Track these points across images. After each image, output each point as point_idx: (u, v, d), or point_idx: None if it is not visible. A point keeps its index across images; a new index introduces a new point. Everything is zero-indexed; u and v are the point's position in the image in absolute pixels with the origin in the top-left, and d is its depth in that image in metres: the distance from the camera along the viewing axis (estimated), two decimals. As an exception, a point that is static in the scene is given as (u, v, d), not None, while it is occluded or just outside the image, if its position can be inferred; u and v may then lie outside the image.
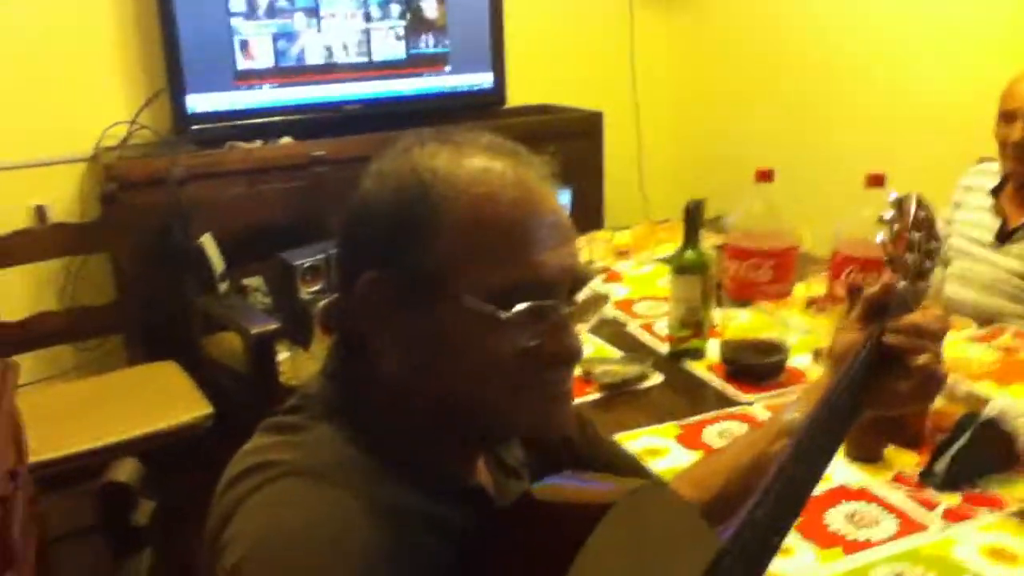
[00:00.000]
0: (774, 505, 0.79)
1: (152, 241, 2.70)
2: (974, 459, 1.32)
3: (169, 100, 2.96)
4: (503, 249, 0.75)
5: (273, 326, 2.32)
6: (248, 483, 0.73)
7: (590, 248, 2.37)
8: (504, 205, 0.75)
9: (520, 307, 0.74)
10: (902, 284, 0.94)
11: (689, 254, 1.76)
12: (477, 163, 0.77)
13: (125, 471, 1.16)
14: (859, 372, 0.91)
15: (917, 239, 0.94)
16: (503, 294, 0.74)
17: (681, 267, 1.76)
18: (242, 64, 3.03)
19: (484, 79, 3.47)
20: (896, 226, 0.95)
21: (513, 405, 0.77)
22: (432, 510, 0.75)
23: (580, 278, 0.80)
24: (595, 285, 2.13)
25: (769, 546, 0.79)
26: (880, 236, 0.95)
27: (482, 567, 0.76)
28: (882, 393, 0.93)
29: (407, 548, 0.72)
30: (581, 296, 0.81)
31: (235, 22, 2.99)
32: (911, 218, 0.95)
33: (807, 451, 0.85)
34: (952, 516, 1.25)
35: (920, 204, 0.96)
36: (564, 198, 2.30)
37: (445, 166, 0.77)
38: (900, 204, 0.95)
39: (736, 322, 1.81)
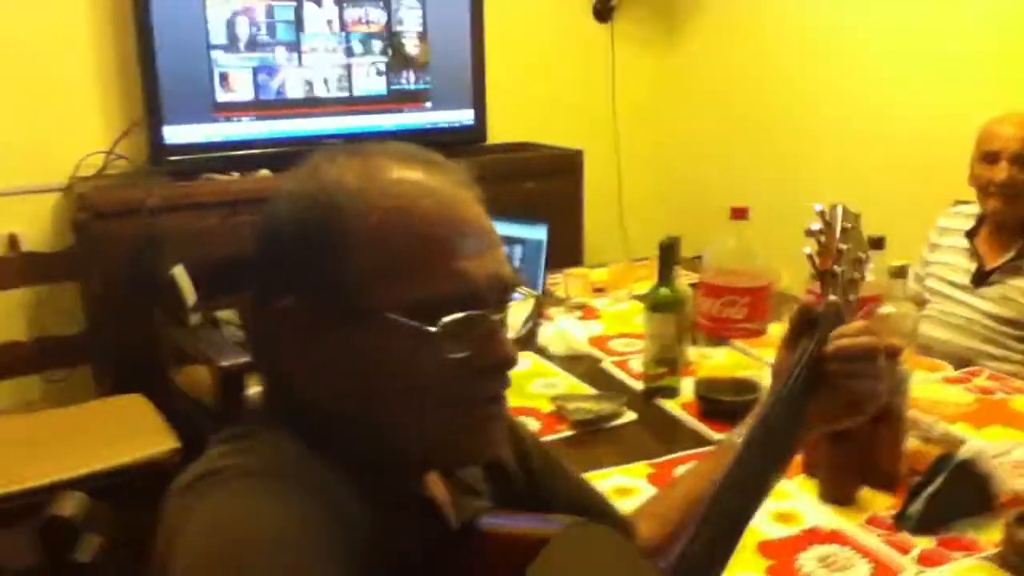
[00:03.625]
0: (711, 535, 0.78)
1: (124, 271, 2.67)
2: (949, 501, 1.29)
3: (146, 131, 2.94)
4: (422, 261, 0.72)
5: (243, 359, 2.27)
6: (196, 491, 0.70)
7: (566, 284, 2.36)
8: (418, 216, 0.72)
9: (448, 319, 0.71)
10: (832, 298, 0.93)
11: (664, 291, 1.74)
12: (387, 175, 0.74)
13: (70, 505, 1.12)
14: (794, 388, 0.90)
15: (845, 250, 0.94)
16: (428, 307, 0.71)
17: (655, 304, 1.74)
18: (221, 96, 3.02)
19: (465, 116, 3.48)
20: (823, 238, 0.94)
21: (448, 424, 0.74)
22: (380, 517, 0.72)
23: (508, 284, 0.77)
24: (567, 319, 2.11)
25: None
26: (807, 250, 0.95)
27: None
28: (821, 409, 0.92)
29: (363, 551, 0.68)
30: (515, 302, 0.79)
31: (215, 54, 2.98)
32: (837, 230, 0.94)
33: (740, 475, 0.84)
34: (927, 560, 1.22)
35: (846, 214, 0.95)
36: (540, 233, 2.29)
37: (353, 181, 0.73)
38: (826, 216, 0.95)
39: (711, 360, 1.79)
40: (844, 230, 0.95)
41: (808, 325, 0.93)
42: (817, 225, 0.95)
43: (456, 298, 0.72)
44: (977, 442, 1.39)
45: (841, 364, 0.90)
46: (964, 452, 1.31)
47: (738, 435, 1.03)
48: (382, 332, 0.71)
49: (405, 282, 0.71)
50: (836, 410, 0.92)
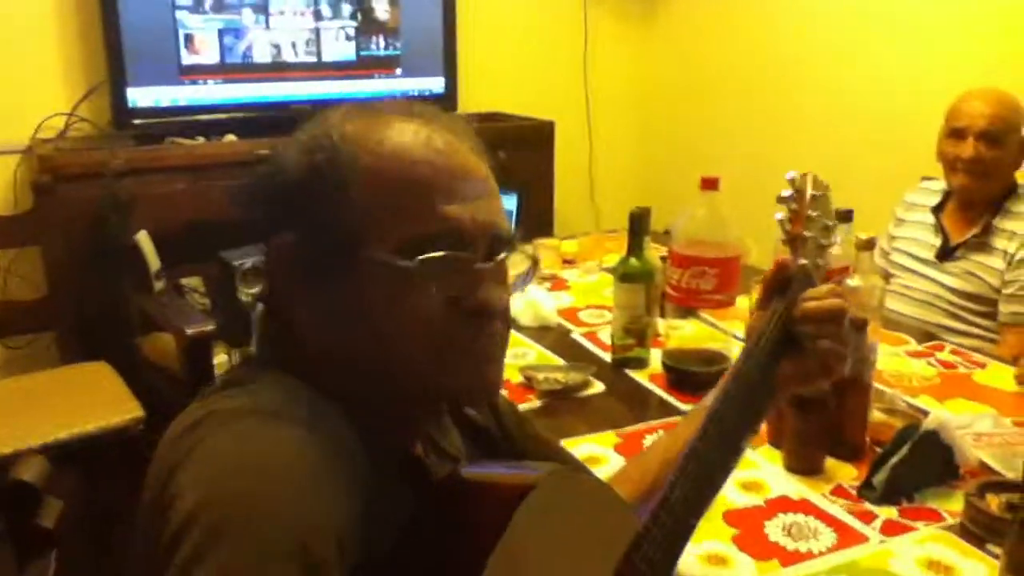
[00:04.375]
0: (689, 486, 0.81)
1: (87, 236, 2.62)
2: (912, 472, 1.31)
3: (109, 93, 2.88)
4: (410, 202, 0.75)
5: (209, 327, 2.25)
6: (198, 432, 0.70)
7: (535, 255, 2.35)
8: (409, 161, 0.76)
9: (426, 256, 0.74)
10: (803, 261, 0.95)
11: (633, 262, 1.74)
12: (385, 123, 0.78)
13: (30, 470, 1.10)
14: (766, 346, 0.92)
15: (814, 216, 0.96)
16: (412, 246, 0.74)
17: (625, 275, 1.74)
18: (187, 59, 2.96)
19: (435, 83, 3.44)
20: (793, 205, 0.96)
21: (437, 366, 0.76)
22: (375, 461, 0.74)
23: (501, 236, 0.79)
24: (536, 289, 2.11)
25: (687, 526, 0.81)
26: (779, 215, 0.97)
27: (416, 543, 0.75)
28: (790, 369, 0.94)
29: (363, 491, 0.70)
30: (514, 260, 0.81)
31: (180, 15, 2.92)
32: (807, 197, 0.96)
33: (717, 428, 0.87)
34: (890, 529, 1.24)
35: (816, 183, 0.97)
36: (510, 203, 2.28)
37: (357, 128, 0.78)
38: (796, 183, 0.97)
39: (680, 332, 1.79)
40: (814, 197, 0.97)
41: (781, 286, 0.96)
42: (788, 191, 0.97)
43: (440, 238, 0.74)
44: (940, 414, 1.41)
45: (809, 325, 0.93)
46: (928, 424, 1.33)
47: (709, 398, 1.05)
48: (371, 271, 0.74)
49: (393, 223, 0.75)
50: (804, 371, 0.94)
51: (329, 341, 0.77)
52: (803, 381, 0.95)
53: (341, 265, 0.75)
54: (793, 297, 0.93)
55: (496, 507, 0.71)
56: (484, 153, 0.83)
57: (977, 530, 1.22)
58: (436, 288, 0.74)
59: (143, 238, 2.54)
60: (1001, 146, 2.10)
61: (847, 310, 0.94)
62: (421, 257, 0.73)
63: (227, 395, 0.75)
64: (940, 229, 2.25)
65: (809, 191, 0.97)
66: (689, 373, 1.67)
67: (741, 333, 1.88)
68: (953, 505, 1.29)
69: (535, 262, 0.86)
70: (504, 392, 1.64)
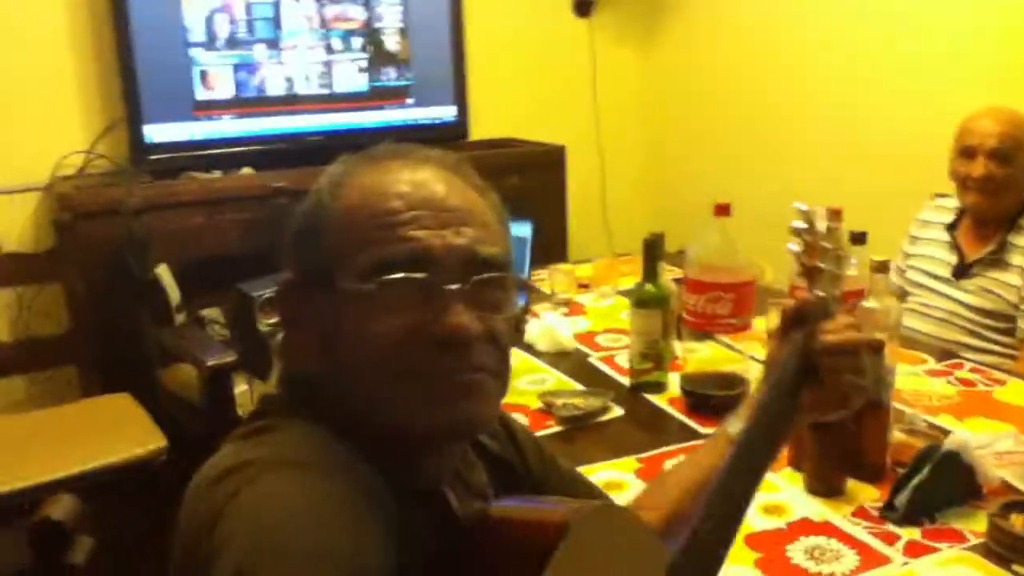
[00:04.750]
0: (717, 517, 0.82)
1: (107, 271, 2.65)
2: (935, 492, 1.31)
3: (127, 130, 2.92)
4: (377, 230, 0.77)
5: (230, 358, 2.27)
6: (233, 480, 0.70)
7: (551, 280, 2.37)
8: (385, 194, 0.78)
9: (385, 277, 0.75)
10: (820, 293, 0.96)
11: (648, 288, 1.75)
12: (367, 166, 0.81)
13: (60, 508, 1.12)
14: (787, 377, 0.93)
15: (828, 248, 0.97)
16: (374, 271, 0.75)
17: (641, 300, 1.75)
18: (201, 95, 3.00)
19: (447, 112, 3.47)
20: (807, 237, 0.97)
21: (412, 396, 0.75)
22: (401, 503, 0.74)
23: (481, 260, 0.78)
24: (553, 315, 2.12)
25: (717, 558, 0.81)
26: (793, 247, 0.98)
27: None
28: (812, 399, 0.95)
29: (395, 533, 0.70)
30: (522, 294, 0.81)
31: (194, 52, 2.97)
32: (820, 229, 0.97)
33: (744, 463, 0.87)
34: (913, 550, 1.24)
35: (828, 213, 0.99)
36: (524, 230, 2.29)
37: (344, 171, 0.81)
38: (808, 216, 0.98)
39: (697, 355, 1.80)
40: (828, 229, 0.97)
41: (799, 320, 0.97)
42: (801, 223, 0.98)
43: (405, 262, 0.75)
44: (962, 433, 1.41)
45: (828, 358, 0.94)
46: (949, 443, 1.33)
47: (730, 426, 1.07)
48: (341, 298, 0.76)
49: (360, 251, 0.76)
50: (824, 401, 0.96)
51: (320, 370, 0.79)
52: (823, 410, 0.97)
53: (322, 297, 0.77)
54: (811, 329, 0.95)
55: (531, 547, 0.72)
56: (484, 189, 0.83)
57: (1001, 550, 1.21)
58: (397, 311, 0.75)
59: (163, 271, 2.57)
60: (1012, 164, 2.11)
61: (863, 342, 0.95)
62: (380, 279, 0.75)
63: (255, 443, 0.75)
64: (955, 247, 2.25)
65: (822, 223, 0.98)
66: (708, 397, 1.68)
67: (758, 354, 1.89)
68: (977, 525, 1.28)
69: (527, 287, 0.87)
70: (525, 420, 1.66)
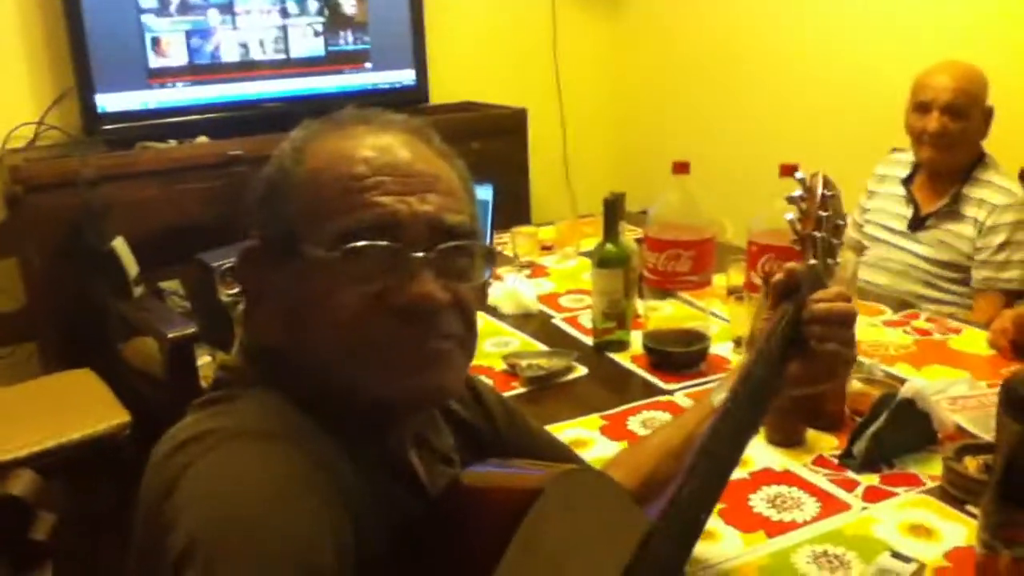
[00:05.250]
0: (699, 482, 0.80)
1: (63, 245, 2.61)
2: (892, 439, 1.34)
3: (78, 100, 2.86)
4: (342, 198, 0.76)
5: (191, 330, 2.25)
6: (190, 451, 0.70)
7: (514, 243, 2.37)
8: (346, 161, 0.77)
9: (350, 245, 0.74)
10: (812, 261, 0.95)
11: (609, 247, 1.76)
12: (330, 130, 0.80)
13: (20, 484, 1.11)
14: (776, 347, 0.93)
15: (825, 217, 0.96)
16: (341, 238, 0.74)
17: (602, 260, 1.76)
18: (154, 62, 2.95)
19: (406, 76, 3.44)
20: (804, 205, 0.96)
21: (375, 364, 0.75)
22: (364, 472, 0.74)
23: (447, 228, 0.78)
24: (516, 277, 2.13)
25: (696, 522, 0.80)
26: (789, 215, 0.97)
27: (416, 550, 0.75)
28: (797, 370, 0.95)
29: (354, 504, 0.70)
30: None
31: (146, 19, 2.91)
32: (818, 197, 0.96)
33: (728, 427, 0.86)
34: (872, 496, 1.27)
35: (826, 183, 0.98)
36: (486, 193, 2.29)
37: (307, 136, 0.80)
38: (807, 184, 0.97)
39: (659, 313, 1.82)
40: (824, 197, 0.97)
41: (790, 288, 0.96)
42: (799, 192, 0.97)
43: (371, 229, 0.74)
44: (917, 381, 1.44)
45: (817, 327, 0.93)
46: (904, 391, 1.36)
47: (714, 396, 1.07)
48: (306, 268, 0.75)
49: (326, 218, 0.75)
50: (811, 373, 0.96)
51: (284, 339, 0.78)
52: (809, 382, 0.97)
53: (287, 265, 0.76)
54: (803, 298, 0.94)
55: (503, 513, 0.72)
56: (450, 156, 0.82)
57: (956, 492, 1.24)
58: (363, 280, 0.74)
59: (119, 244, 2.53)
60: (965, 118, 2.13)
61: (855, 313, 0.94)
62: (345, 247, 0.74)
63: (213, 413, 0.75)
64: (911, 200, 2.28)
65: (820, 191, 0.97)
66: (669, 353, 1.69)
67: (718, 311, 1.91)
68: (932, 469, 1.31)
69: (491, 254, 0.86)
70: (490, 382, 1.67)
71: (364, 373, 0.75)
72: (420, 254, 0.75)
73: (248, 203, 0.81)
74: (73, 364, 2.52)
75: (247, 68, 3.12)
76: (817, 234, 0.96)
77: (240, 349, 0.83)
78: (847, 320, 0.94)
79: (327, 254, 0.74)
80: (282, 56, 3.18)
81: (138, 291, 2.54)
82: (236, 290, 2.44)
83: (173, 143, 2.93)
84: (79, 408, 2.31)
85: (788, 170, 1.77)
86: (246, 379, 0.79)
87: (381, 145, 0.78)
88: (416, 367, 0.76)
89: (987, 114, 2.17)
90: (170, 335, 2.24)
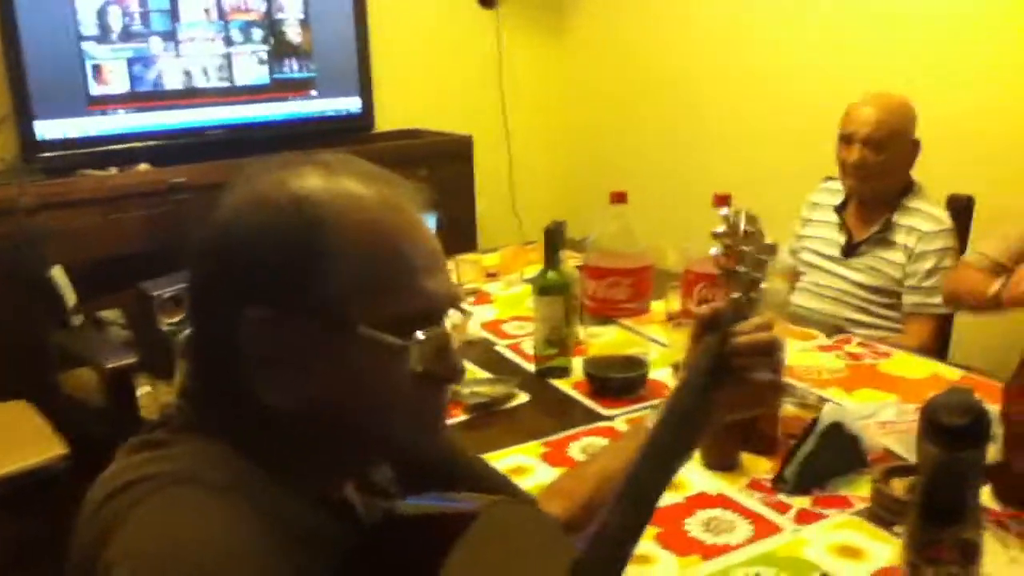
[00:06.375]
0: (626, 512, 0.81)
1: (0, 274, 2.56)
2: (822, 462, 1.37)
3: (15, 126, 2.82)
4: (394, 278, 0.74)
5: (130, 359, 2.23)
6: (128, 497, 0.68)
7: (459, 270, 2.38)
8: (387, 233, 0.74)
9: (420, 335, 0.74)
10: (735, 295, 0.98)
11: (551, 275, 1.78)
12: (356, 189, 0.75)
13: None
14: (701, 378, 0.95)
15: (746, 252, 0.99)
16: (399, 323, 0.74)
17: (543, 288, 1.78)
18: (95, 89, 2.93)
19: (352, 103, 3.45)
20: (727, 240, 0.99)
21: (401, 426, 0.77)
22: (309, 520, 0.74)
23: (456, 300, 0.81)
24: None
25: (623, 553, 0.81)
26: (713, 250, 1.00)
27: None
28: (726, 398, 0.98)
29: (295, 554, 0.70)
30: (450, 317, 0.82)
31: (86, 46, 2.89)
32: (740, 233, 0.99)
33: (656, 455, 0.88)
34: (803, 518, 1.29)
35: (749, 219, 1.00)
36: (431, 222, 2.30)
37: (325, 194, 0.73)
38: (729, 220, 1.00)
39: (600, 339, 1.85)
40: (746, 233, 0.99)
41: (714, 322, 0.99)
42: (722, 227, 1.00)
43: (422, 315, 0.75)
44: (834, 406, 1.47)
45: (742, 359, 0.97)
46: (825, 416, 1.39)
47: (649, 421, 1.09)
48: (356, 345, 0.73)
49: (379, 298, 0.74)
50: (740, 399, 0.99)
51: (297, 403, 0.74)
52: (740, 408, 1.00)
53: (323, 340, 0.73)
54: (724, 331, 0.97)
55: (434, 543, 0.73)
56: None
57: (884, 514, 1.28)
58: (418, 362, 0.75)
59: (58, 273, 2.49)
60: (885, 151, 2.18)
61: (777, 342, 0.98)
62: (418, 337, 0.74)
63: (150, 457, 0.73)
64: (843, 227, 2.34)
65: (742, 227, 1.00)
66: (609, 379, 1.72)
67: (658, 336, 1.95)
68: (862, 491, 1.34)
69: (468, 315, 0.88)
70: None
71: (395, 435, 0.77)
72: (449, 332, 0.78)
73: (232, 259, 0.74)
74: (9, 395, 2.47)
75: (190, 95, 3.11)
76: (740, 268, 0.99)
77: (184, 391, 0.80)
78: (769, 349, 0.97)
79: (388, 340, 0.73)
80: (226, 84, 3.17)
81: (77, 320, 2.50)
82: (177, 319, 2.41)
83: (114, 171, 2.90)
84: (15, 440, 2.27)
85: (721, 200, 1.82)
86: (187, 424, 0.77)
87: (415, 221, 0.77)
88: (439, 426, 0.82)
89: (912, 146, 2.23)
90: (109, 365, 2.21)
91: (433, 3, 3.79)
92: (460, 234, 3.25)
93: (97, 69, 2.92)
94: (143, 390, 2.22)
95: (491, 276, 2.48)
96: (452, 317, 0.81)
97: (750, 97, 3.28)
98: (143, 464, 0.72)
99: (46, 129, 2.84)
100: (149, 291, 2.38)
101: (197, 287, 0.77)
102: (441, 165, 3.39)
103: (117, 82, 2.96)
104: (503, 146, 3.98)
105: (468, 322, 1.76)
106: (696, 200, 2.10)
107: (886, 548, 1.21)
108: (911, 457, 1.40)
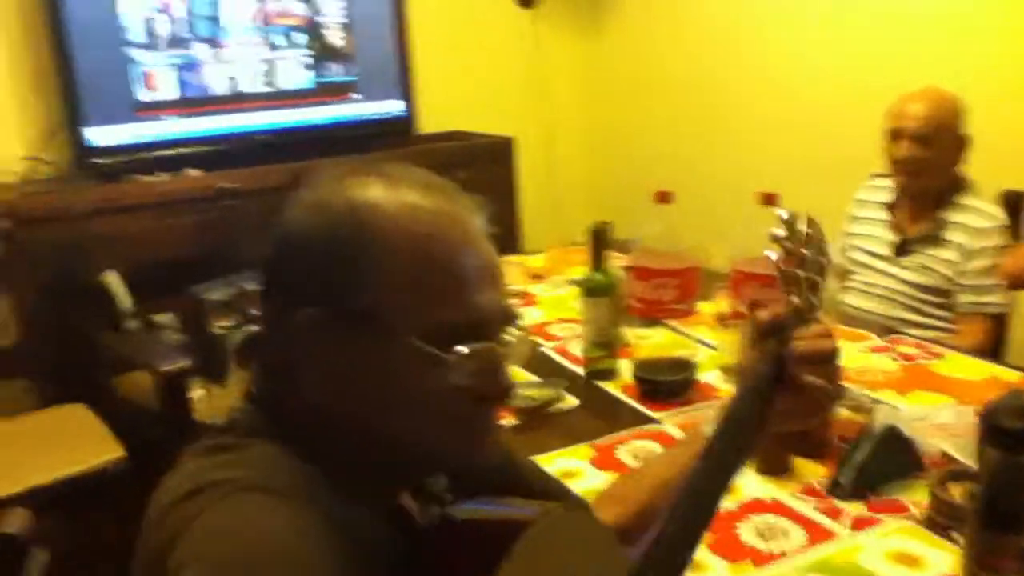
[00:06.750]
0: (683, 521, 0.81)
1: (55, 280, 2.62)
2: (877, 467, 1.36)
3: (68, 134, 2.88)
4: (443, 289, 0.75)
5: (184, 363, 2.26)
6: (197, 502, 0.70)
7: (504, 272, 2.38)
8: (442, 244, 0.75)
9: (463, 350, 0.74)
10: (795, 300, 0.97)
11: (597, 276, 1.78)
12: (413, 199, 0.76)
13: (14, 522, 1.12)
14: (761, 385, 0.93)
15: (808, 255, 0.97)
16: (444, 335, 0.74)
17: (590, 289, 1.78)
18: (143, 96, 2.97)
19: (394, 106, 3.47)
20: (787, 243, 0.97)
21: (446, 439, 0.78)
22: (369, 527, 0.76)
23: (511, 317, 0.81)
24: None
25: (679, 562, 0.80)
26: (772, 253, 0.98)
27: None
28: (783, 408, 0.96)
29: (357, 560, 0.71)
30: (511, 336, 0.81)
31: (134, 53, 2.93)
32: (802, 236, 0.98)
33: (714, 464, 0.87)
34: (858, 524, 1.28)
35: (810, 222, 0.99)
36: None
37: (382, 202, 0.75)
38: (789, 222, 0.98)
39: (648, 341, 1.84)
40: (808, 236, 0.98)
41: (774, 327, 0.97)
42: (781, 231, 0.98)
43: (469, 328, 0.75)
44: (888, 408, 1.45)
45: (801, 366, 0.95)
46: (880, 419, 1.38)
47: (706, 427, 1.07)
48: (398, 352, 0.74)
49: (426, 307, 0.74)
50: (796, 409, 0.97)
51: (338, 404, 0.76)
52: (795, 418, 0.98)
53: (364, 340, 0.75)
54: (784, 337, 0.95)
55: (489, 550, 0.73)
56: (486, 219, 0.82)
57: (942, 520, 1.25)
58: (462, 376, 0.75)
59: (112, 278, 2.54)
60: (933, 146, 2.15)
61: (837, 351, 0.96)
62: (460, 351, 0.74)
63: (218, 462, 0.74)
64: (894, 225, 2.31)
65: (803, 229, 0.98)
66: (658, 382, 1.71)
67: (706, 338, 1.94)
68: (918, 496, 1.32)
69: (532, 342, 0.87)
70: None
71: (441, 447, 0.78)
72: (503, 350, 0.78)
73: (290, 264, 0.77)
74: (66, 399, 2.52)
75: (236, 101, 3.15)
76: (800, 272, 0.97)
77: (249, 395, 0.81)
78: (829, 357, 0.96)
79: (433, 350, 0.73)
80: (270, 88, 3.21)
81: (132, 325, 2.55)
82: (229, 322, 2.45)
83: (163, 176, 2.95)
84: (74, 443, 2.31)
85: (767, 198, 1.80)
86: (253, 428, 0.78)
87: (469, 231, 0.77)
88: (488, 439, 0.81)
89: (961, 141, 2.19)
90: (163, 368, 2.25)
91: (472, 3, 3.80)
92: (504, 236, 3.24)
93: (145, 76, 2.97)
94: (196, 393, 2.26)
95: (536, 278, 2.48)
96: (512, 336, 0.81)
97: (791, 93, 3.24)
98: (212, 469, 0.73)
99: (97, 136, 2.89)
100: (201, 295, 2.43)
101: (262, 289, 0.79)
102: (483, 167, 3.40)
103: (165, 88, 3.01)
104: (544, 147, 3.98)
105: (525, 348, 1.76)
106: (739, 199, 2.09)
107: (944, 556, 1.19)
108: (969, 461, 1.38)
